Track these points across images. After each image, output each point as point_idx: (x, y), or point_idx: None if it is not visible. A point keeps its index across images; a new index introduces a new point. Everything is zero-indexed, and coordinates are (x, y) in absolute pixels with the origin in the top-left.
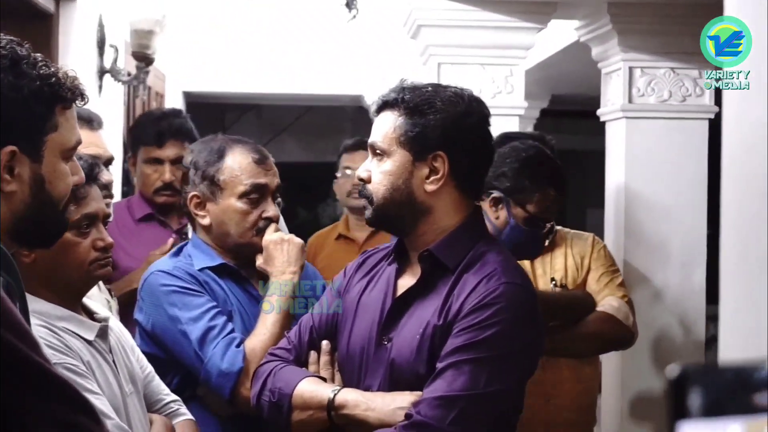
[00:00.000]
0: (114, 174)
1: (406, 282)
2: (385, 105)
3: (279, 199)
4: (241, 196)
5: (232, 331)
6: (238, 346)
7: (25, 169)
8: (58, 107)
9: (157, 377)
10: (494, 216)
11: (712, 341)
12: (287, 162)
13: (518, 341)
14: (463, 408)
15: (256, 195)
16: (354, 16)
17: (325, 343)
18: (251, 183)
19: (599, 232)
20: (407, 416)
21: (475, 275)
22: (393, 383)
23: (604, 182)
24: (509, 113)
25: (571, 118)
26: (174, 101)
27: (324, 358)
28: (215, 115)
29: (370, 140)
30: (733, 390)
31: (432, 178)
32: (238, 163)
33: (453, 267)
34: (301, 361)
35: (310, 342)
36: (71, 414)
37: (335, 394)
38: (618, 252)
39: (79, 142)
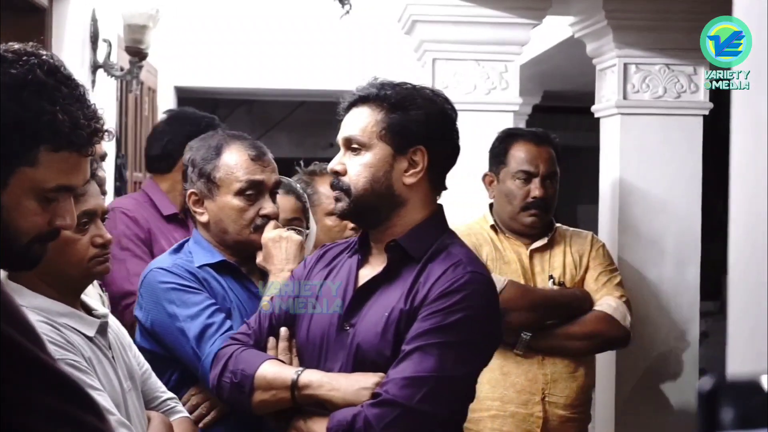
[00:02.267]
0: (106, 170)
1: (369, 272)
2: (362, 99)
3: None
4: (237, 193)
5: (230, 328)
6: None
7: None
8: (44, 146)
9: (153, 374)
10: None
11: (703, 336)
12: (279, 157)
13: (482, 328)
14: (431, 388)
15: (252, 192)
16: (347, 12)
17: (283, 330)
18: (247, 180)
19: (590, 228)
20: (375, 395)
21: (441, 264)
22: (356, 366)
23: (594, 178)
24: (504, 109)
25: (562, 114)
26: (166, 96)
27: (282, 343)
28: (207, 111)
29: (345, 134)
30: (765, 403)
31: (411, 172)
32: (234, 160)
33: (418, 257)
34: (260, 347)
35: (269, 328)
36: (76, 411)
37: (299, 375)
38: (612, 248)
39: (64, 188)
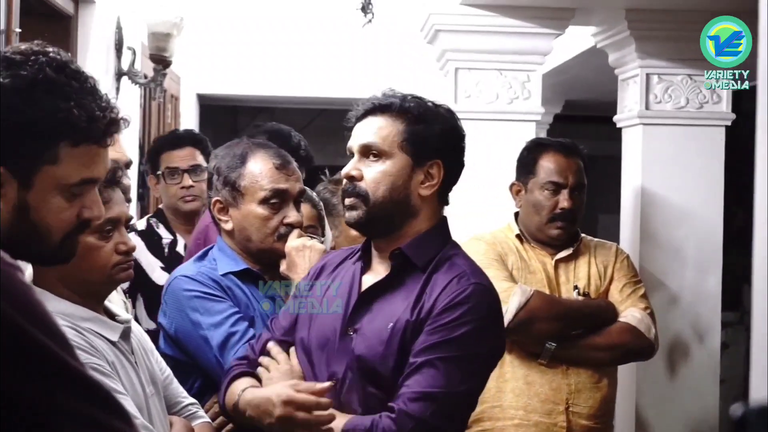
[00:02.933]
0: (131, 178)
1: (371, 279)
2: (381, 109)
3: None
4: (262, 201)
5: (253, 337)
6: None
7: (11, 192)
8: (63, 142)
9: (175, 380)
10: None
11: (723, 347)
12: None
13: (488, 340)
14: (441, 403)
15: (276, 200)
16: (369, 21)
17: (271, 345)
18: (271, 188)
19: (611, 237)
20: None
21: (445, 275)
22: (360, 374)
23: (616, 187)
24: (526, 119)
25: (583, 123)
26: (188, 104)
27: (280, 356)
28: (228, 118)
29: (363, 141)
30: None
31: (427, 184)
32: (259, 169)
33: (422, 266)
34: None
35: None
36: (104, 416)
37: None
38: (634, 257)
39: (88, 181)
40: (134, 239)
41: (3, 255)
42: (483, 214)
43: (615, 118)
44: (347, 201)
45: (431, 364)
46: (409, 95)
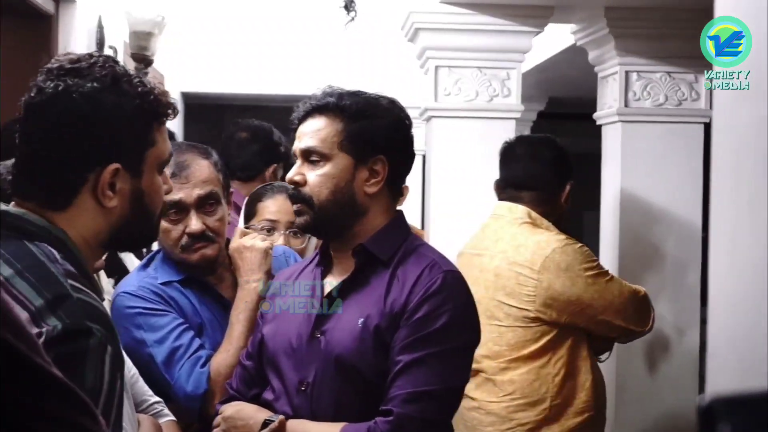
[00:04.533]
0: None
1: (333, 280)
2: (319, 109)
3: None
4: (161, 214)
5: (199, 348)
6: (203, 366)
7: (126, 185)
8: (155, 123)
9: (141, 379)
10: None
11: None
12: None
13: (468, 328)
14: (438, 400)
15: (173, 210)
16: (352, 19)
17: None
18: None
19: (595, 234)
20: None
21: (414, 266)
22: (338, 373)
23: (600, 185)
24: (506, 116)
25: (567, 120)
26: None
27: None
28: (213, 116)
29: (303, 145)
30: (762, 420)
31: (372, 181)
32: None
33: (387, 260)
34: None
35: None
36: (73, 414)
37: None
38: (613, 254)
39: (171, 155)
40: None
41: None
42: (464, 212)
43: (595, 116)
44: (294, 207)
45: (421, 362)
46: (348, 91)
